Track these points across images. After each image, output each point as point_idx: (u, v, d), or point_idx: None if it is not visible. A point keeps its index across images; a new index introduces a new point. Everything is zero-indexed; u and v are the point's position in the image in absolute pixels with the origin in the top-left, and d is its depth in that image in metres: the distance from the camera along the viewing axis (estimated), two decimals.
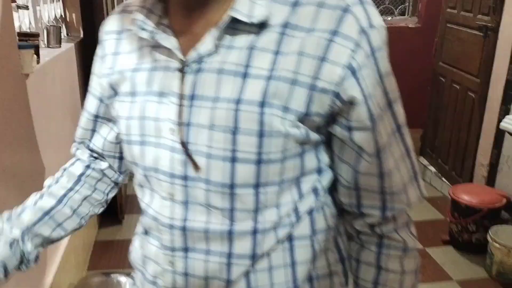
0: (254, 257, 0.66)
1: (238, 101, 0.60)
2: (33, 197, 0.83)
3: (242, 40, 0.61)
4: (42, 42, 2.08)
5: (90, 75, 0.81)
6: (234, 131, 0.60)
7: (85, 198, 0.83)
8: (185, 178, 0.64)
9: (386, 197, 0.67)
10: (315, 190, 0.68)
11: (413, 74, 3.57)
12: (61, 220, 0.81)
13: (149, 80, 0.67)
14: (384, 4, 3.68)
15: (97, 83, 0.78)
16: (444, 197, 3.19)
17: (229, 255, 0.65)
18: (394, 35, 3.19)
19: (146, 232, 0.75)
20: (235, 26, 0.61)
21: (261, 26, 0.60)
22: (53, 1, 2.41)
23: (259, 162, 0.61)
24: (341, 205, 0.71)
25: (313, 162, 0.66)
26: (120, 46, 0.72)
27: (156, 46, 0.66)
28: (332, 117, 0.63)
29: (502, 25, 2.77)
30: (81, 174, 0.83)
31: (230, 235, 0.65)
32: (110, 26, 0.75)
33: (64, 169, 0.85)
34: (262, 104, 0.59)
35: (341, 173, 0.68)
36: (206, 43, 0.62)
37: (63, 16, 2.63)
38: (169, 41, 0.64)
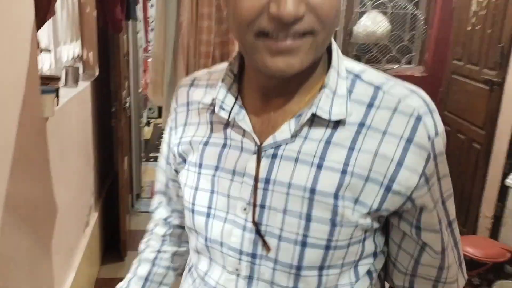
0: None
1: (312, 191, 0.63)
2: (134, 266, 0.91)
3: (319, 133, 0.64)
4: (61, 82, 2.14)
5: (162, 143, 0.86)
6: (308, 218, 0.63)
7: (174, 254, 0.92)
8: (253, 256, 0.67)
9: (440, 285, 0.73)
10: (369, 273, 0.71)
11: None
12: (160, 280, 0.91)
13: (220, 156, 0.70)
14: (390, 53, 3.78)
15: (169, 152, 0.82)
16: None
17: None
18: None
19: None
20: (313, 119, 0.64)
21: (338, 122, 0.64)
22: (73, 41, 2.49)
23: (327, 248, 0.64)
24: (391, 285, 0.77)
25: (372, 247, 0.70)
26: (189, 117, 0.76)
27: (229, 125, 0.70)
28: (398, 213, 0.68)
29: (508, 80, 2.84)
30: (164, 234, 0.91)
31: None
32: (182, 99, 0.79)
33: (151, 232, 0.92)
34: (336, 196, 0.63)
35: (400, 260, 0.73)
36: (284, 132, 0.65)
37: (81, 55, 2.71)
38: (246, 123, 0.67)
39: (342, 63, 0.67)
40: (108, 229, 2.93)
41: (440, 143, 0.64)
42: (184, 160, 0.75)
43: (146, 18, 5.01)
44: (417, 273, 0.72)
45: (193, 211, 0.72)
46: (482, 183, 2.98)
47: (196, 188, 0.72)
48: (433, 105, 0.64)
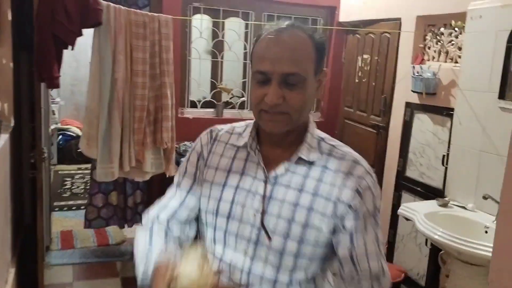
0: None
1: (296, 205, 1.04)
2: (146, 237, 1.13)
3: (301, 169, 1.07)
4: None
5: (186, 164, 1.20)
6: (292, 221, 1.03)
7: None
8: (256, 243, 1.06)
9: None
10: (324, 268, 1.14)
11: None
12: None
13: (240, 180, 1.10)
14: None
15: (199, 173, 1.17)
16: None
17: None
18: None
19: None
20: (297, 161, 1.07)
21: (312, 163, 1.07)
22: None
23: (300, 242, 1.04)
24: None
25: (328, 248, 1.08)
26: (214, 148, 1.16)
27: (247, 160, 1.11)
28: (340, 218, 1.06)
29: (391, 125, 3.35)
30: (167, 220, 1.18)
31: (274, 284, 1.06)
32: (214, 136, 1.18)
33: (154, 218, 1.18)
34: (310, 209, 1.03)
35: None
36: (281, 169, 1.07)
37: None
38: (260, 161, 1.09)
39: (314, 130, 1.11)
40: (25, 286, 2.80)
41: (373, 177, 1.07)
42: (207, 179, 1.14)
43: None
44: (340, 256, 1.06)
45: (216, 214, 1.10)
46: None
47: (220, 199, 1.10)
48: (364, 159, 1.10)
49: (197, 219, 1.19)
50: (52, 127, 5.36)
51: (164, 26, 2.69)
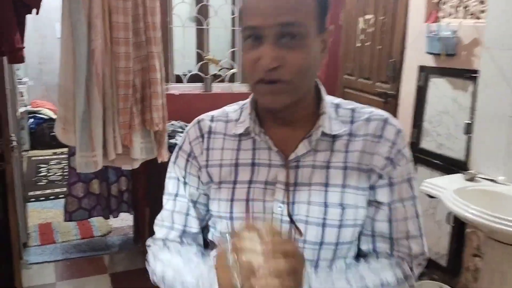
0: None
1: (326, 185, 0.91)
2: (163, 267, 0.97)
3: (324, 145, 0.93)
4: None
5: (168, 179, 1.02)
6: (325, 204, 0.90)
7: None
8: None
9: (395, 243, 0.96)
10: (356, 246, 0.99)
11: None
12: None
13: (252, 172, 0.93)
14: None
15: (192, 178, 0.99)
16: None
17: None
18: None
19: None
20: (319, 137, 0.92)
21: (335, 136, 0.93)
22: None
23: (340, 226, 0.90)
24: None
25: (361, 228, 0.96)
26: (211, 144, 0.98)
27: (256, 148, 0.95)
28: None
29: (401, 92, 3.06)
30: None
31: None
32: (205, 129, 1.00)
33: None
34: (343, 186, 0.91)
35: (365, 226, 1.00)
36: (302, 149, 0.92)
37: None
38: (272, 145, 0.93)
39: (327, 98, 0.96)
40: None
41: (403, 136, 0.94)
42: (211, 180, 0.96)
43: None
44: (376, 232, 0.94)
45: (231, 218, 0.93)
46: None
47: (232, 200, 0.93)
48: (392, 116, 0.96)
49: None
50: (22, 110, 5.03)
51: None
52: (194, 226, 1.00)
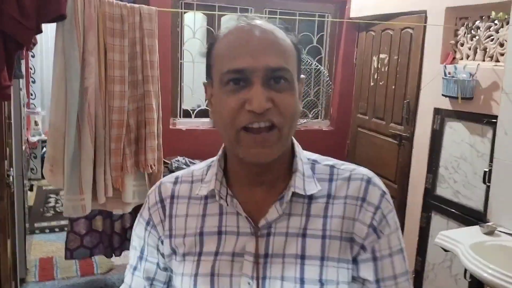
0: None
1: (302, 257, 0.78)
2: None
3: (299, 208, 0.81)
4: None
5: (134, 236, 0.91)
6: (301, 281, 0.77)
7: None
8: None
9: None
10: None
11: None
12: None
13: (218, 242, 0.81)
14: None
15: (151, 249, 0.88)
16: None
17: None
18: (309, 137, 3.21)
19: None
20: (292, 198, 0.80)
21: (311, 197, 0.81)
22: None
23: None
24: None
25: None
26: (174, 210, 0.86)
27: (223, 213, 0.82)
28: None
29: (416, 135, 2.91)
30: None
31: None
32: (166, 193, 0.88)
33: None
34: (322, 258, 0.78)
35: None
36: (273, 213, 0.80)
37: None
38: (240, 210, 0.80)
39: (301, 153, 0.85)
40: None
41: (389, 200, 0.82)
42: (175, 252, 0.85)
43: (27, 70, 4.47)
44: None
45: None
46: None
47: (196, 275, 0.81)
48: (374, 175, 0.84)
49: None
50: (35, 139, 5.04)
51: (147, 20, 2.16)
52: None
